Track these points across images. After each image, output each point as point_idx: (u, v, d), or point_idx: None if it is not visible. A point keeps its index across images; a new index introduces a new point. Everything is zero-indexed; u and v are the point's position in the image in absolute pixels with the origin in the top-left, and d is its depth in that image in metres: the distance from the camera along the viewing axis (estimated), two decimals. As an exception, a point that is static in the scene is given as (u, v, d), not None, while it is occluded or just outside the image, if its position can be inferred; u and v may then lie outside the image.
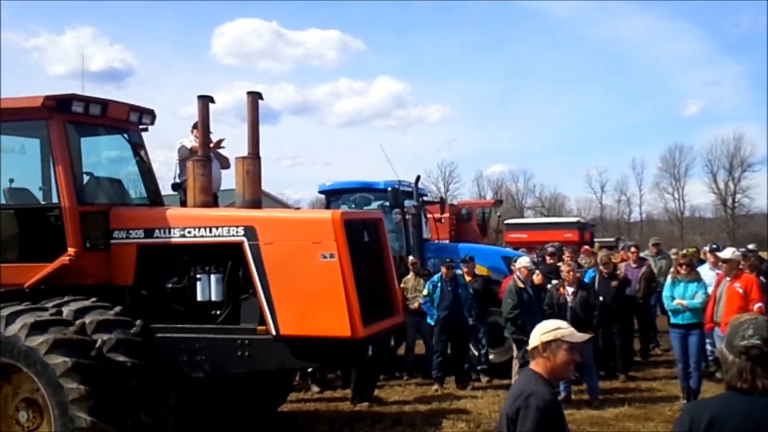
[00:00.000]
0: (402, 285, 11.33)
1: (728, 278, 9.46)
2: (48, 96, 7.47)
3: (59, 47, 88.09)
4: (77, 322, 6.76)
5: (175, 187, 8.99)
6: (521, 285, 9.96)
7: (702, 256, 13.56)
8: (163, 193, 9.03)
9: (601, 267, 11.75)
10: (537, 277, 10.38)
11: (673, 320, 9.65)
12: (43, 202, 7.92)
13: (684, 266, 9.71)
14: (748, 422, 2.76)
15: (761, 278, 11.14)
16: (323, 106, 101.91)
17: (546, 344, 3.64)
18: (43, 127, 7.61)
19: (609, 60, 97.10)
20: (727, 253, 9.98)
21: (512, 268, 10.89)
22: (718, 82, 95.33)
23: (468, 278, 11.53)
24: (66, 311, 6.96)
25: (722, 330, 8.74)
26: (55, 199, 7.59)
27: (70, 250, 7.36)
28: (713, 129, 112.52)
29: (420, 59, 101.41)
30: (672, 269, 10.50)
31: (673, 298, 9.55)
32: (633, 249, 13.65)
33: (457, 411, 9.44)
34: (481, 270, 12.06)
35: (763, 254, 15.96)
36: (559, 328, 3.69)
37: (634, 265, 13.07)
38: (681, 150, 72.24)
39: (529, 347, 3.73)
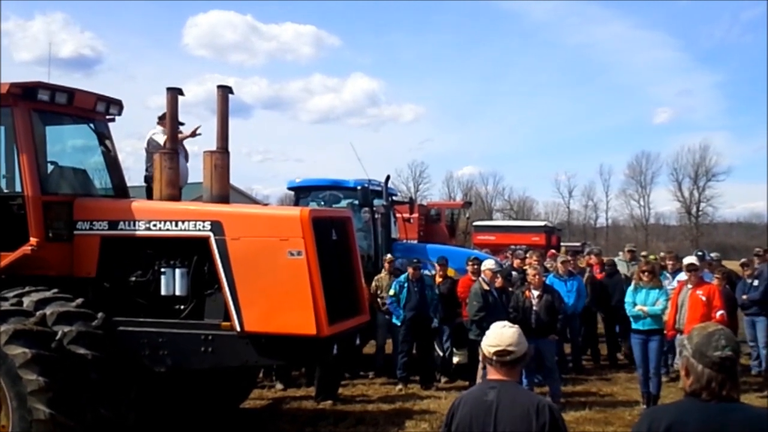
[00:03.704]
0: (375, 283, 11.36)
1: (690, 286, 9.59)
2: (14, 83, 7.35)
3: (28, 32, 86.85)
4: (38, 313, 6.67)
5: (148, 179, 8.89)
6: (486, 287, 10.00)
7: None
8: (129, 184, 8.91)
9: (560, 270, 11.97)
10: (498, 281, 10.43)
11: (634, 326, 9.78)
12: (6, 191, 7.78)
13: (646, 273, 9.84)
14: (706, 428, 2.80)
15: (727, 286, 11.38)
16: (296, 101, 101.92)
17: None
18: (7, 114, 7.48)
19: (583, 65, 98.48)
20: (690, 260, 10.14)
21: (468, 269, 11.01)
22: (690, 92, 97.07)
23: (439, 279, 11.58)
24: (27, 302, 6.86)
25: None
26: (18, 188, 7.46)
27: (32, 240, 7.25)
28: (682, 138, 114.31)
29: (396, 58, 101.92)
30: (635, 276, 10.64)
31: (634, 304, 9.67)
32: (593, 257, 13.81)
33: (420, 411, 9.46)
34: (448, 272, 12.11)
35: (725, 263, 16.21)
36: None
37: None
38: (648, 158, 73.53)
39: (514, 357, 3.57)
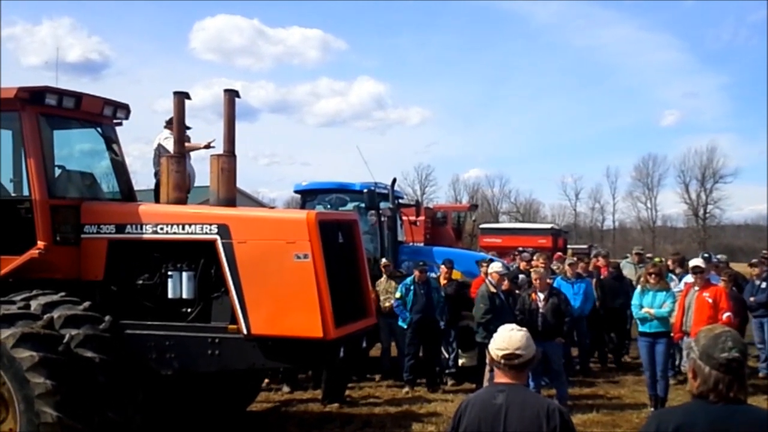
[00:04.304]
0: (375, 287, 11.34)
1: (696, 288, 9.57)
2: (21, 87, 7.37)
3: (35, 37, 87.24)
4: (45, 316, 6.69)
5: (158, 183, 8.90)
6: (493, 290, 9.99)
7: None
8: (136, 188, 8.94)
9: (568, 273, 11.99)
10: (505, 284, 10.40)
11: (641, 329, 9.75)
12: (13, 194, 7.81)
13: (653, 276, 9.81)
14: (713, 430, 2.80)
15: (733, 288, 11.34)
16: (302, 105, 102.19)
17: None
18: (15, 118, 7.50)
19: (589, 67, 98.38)
20: (696, 262, 10.12)
21: (482, 271, 11.00)
22: (697, 94, 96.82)
23: (444, 282, 11.57)
24: (34, 305, 6.87)
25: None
26: (26, 192, 7.48)
27: (40, 244, 7.27)
28: (689, 140, 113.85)
29: (402, 61, 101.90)
30: (642, 278, 10.61)
31: (641, 307, 9.64)
32: (601, 259, 13.81)
33: (427, 414, 9.46)
34: (455, 274, 12.11)
35: (733, 265, 16.17)
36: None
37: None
38: (655, 160, 73.36)
39: (523, 361, 3.57)
